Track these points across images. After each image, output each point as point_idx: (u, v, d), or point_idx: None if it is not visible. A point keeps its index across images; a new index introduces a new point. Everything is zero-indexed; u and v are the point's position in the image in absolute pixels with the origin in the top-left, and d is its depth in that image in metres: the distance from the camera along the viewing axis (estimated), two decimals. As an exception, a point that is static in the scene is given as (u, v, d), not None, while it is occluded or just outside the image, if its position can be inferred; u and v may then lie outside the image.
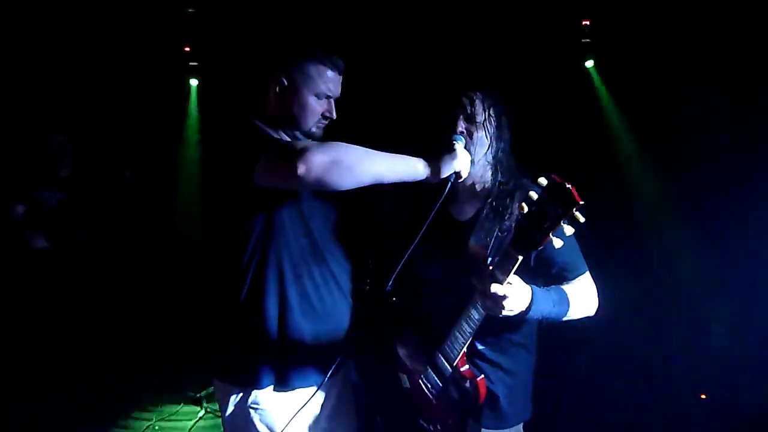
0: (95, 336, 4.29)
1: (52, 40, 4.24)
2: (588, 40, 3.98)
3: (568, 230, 1.31)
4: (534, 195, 1.36)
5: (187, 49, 4.68)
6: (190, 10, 3.87)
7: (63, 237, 4.01)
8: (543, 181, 1.33)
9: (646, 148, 4.16)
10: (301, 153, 1.54)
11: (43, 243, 3.93)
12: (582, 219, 1.29)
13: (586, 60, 4.18)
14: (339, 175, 1.57)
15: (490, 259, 1.68)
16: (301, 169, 1.52)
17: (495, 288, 1.45)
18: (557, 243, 1.35)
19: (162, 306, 4.76)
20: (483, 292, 1.49)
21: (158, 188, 4.55)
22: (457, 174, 1.73)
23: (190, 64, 4.61)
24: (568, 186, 1.28)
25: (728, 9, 3.56)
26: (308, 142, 1.75)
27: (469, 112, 1.78)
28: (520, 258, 1.41)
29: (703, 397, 3.72)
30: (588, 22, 3.80)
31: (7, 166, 4.20)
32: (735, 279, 3.67)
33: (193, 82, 4.75)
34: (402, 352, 2.05)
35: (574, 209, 1.28)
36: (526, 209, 1.36)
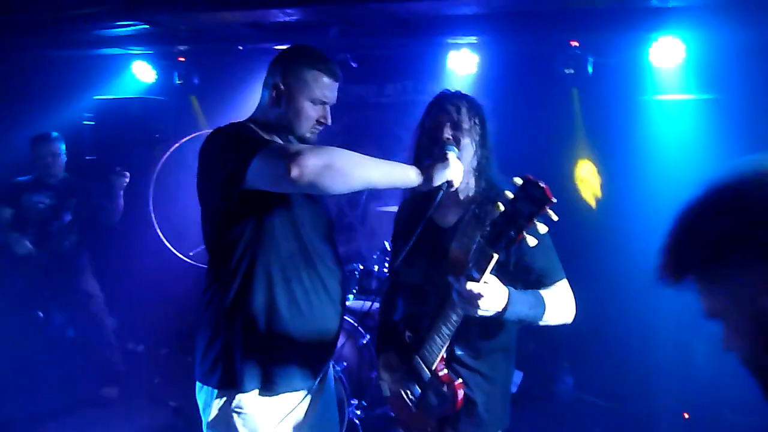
0: (79, 343, 4.24)
1: (43, 41, 4.27)
2: (571, 71, 4.07)
3: (542, 228, 1.34)
4: (510, 194, 1.39)
5: (182, 59, 4.75)
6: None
7: (49, 243, 3.96)
8: (518, 180, 1.37)
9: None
10: (294, 156, 1.55)
11: (28, 248, 3.87)
12: (555, 217, 1.32)
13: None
14: (332, 179, 1.58)
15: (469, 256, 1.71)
16: (295, 172, 1.53)
17: (471, 286, 1.47)
18: (531, 241, 1.38)
19: (149, 312, 4.74)
20: (459, 290, 1.51)
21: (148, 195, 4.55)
22: (449, 183, 1.74)
23: (179, 59, 4.65)
24: (541, 185, 1.32)
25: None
26: (302, 146, 1.76)
27: (455, 119, 1.81)
28: (495, 256, 1.43)
29: (686, 416, 3.72)
30: (576, 43, 3.89)
31: None
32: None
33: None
34: (383, 358, 2.06)
35: (547, 207, 1.31)
36: (502, 208, 1.39)
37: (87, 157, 4.33)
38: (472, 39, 4.10)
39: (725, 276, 0.78)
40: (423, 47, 4.42)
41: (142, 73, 4.80)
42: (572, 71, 3.95)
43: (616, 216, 4.23)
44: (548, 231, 1.39)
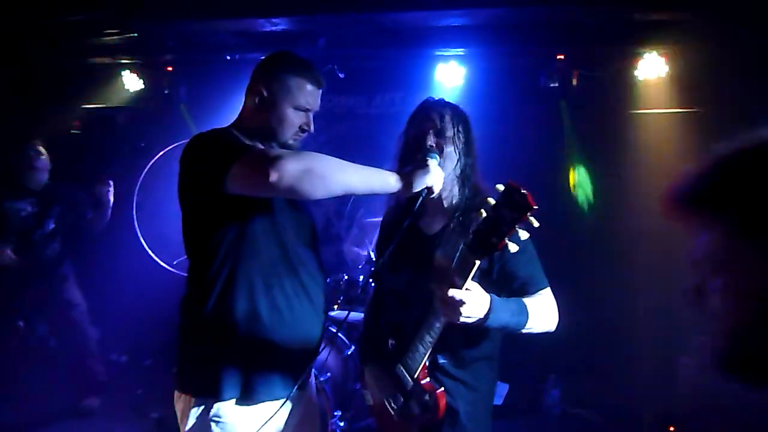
0: (61, 353, 4.18)
1: (32, 49, 4.25)
2: (556, 84, 4.13)
3: (524, 235, 1.34)
4: (492, 201, 1.39)
5: (170, 69, 4.74)
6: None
7: (31, 251, 3.89)
8: (500, 186, 1.37)
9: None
10: (274, 160, 1.55)
11: (9, 257, 3.80)
12: (536, 224, 1.32)
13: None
14: (311, 184, 1.57)
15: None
16: (274, 177, 1.53)
17: (453, 293, 1.47)
18: (513, 248, 1.38)
19: (132, 322, 4.68)
20: (441, 297, 1.50)
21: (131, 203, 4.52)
22: (429, 189, 1.74)
23: (167, 69, 4.65)
24: (523, 191, 1.32)
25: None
26: (282, 151, 1.75)
27: (438, 126, 1.82)
28: (477, 262, 1.43)
29: (672, 429, 3.72)
30: (562, 57, 3.94)
31: None
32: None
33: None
34: (365, 366, 2.04)
35: (528, 214, 1.31)
36: (484, 214, 1.39)
37: (72, 165, 4.27)
38: (460, 51, 4.14)
39: None
40: (411, 59, 4.47)
41: (131, 82, 4.79)
42: (557, 84, 3.99)
43: (604, 227, 4.26)
44: (534, 240, 1.39)
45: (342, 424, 3.24)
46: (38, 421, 3.86)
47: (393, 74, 4.72)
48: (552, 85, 4.01)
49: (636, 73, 3.95)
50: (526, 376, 4.25)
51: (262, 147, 1.86)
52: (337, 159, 1.65)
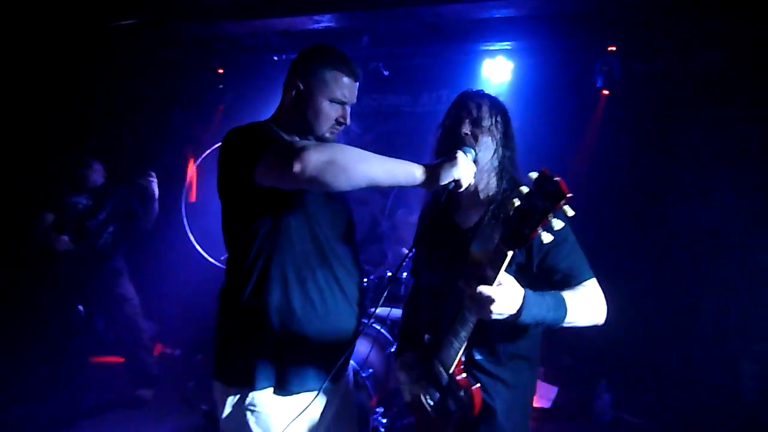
0: (116, 344, 4.36)
1: (85, 56, 4.45)
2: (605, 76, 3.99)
3: (557, 224, 1.29)
4: (525, 189, 1.34)
5: (221, 71, 4.87)
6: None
7: (87, 239, 4.13)
8: (533, 174, 1.33)
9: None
10: (298, 152, 1.56)
11: (67, 245, 4.06)
12: (571, 212, 1.27)
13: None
14: (333, 175, 1.56)
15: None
16: (297, 168, 1.53)
17: (482, 289, 1.43)
18: (546, 238, 1.32)
19: (185, 317, 4.83)
20: (470, 294, 1.46)
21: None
22: (457, 182, 1.68)
23: (218, 70, 4.78)
24: (556, 179, 1.27)
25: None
26: (307, 142, 1.76)
27: (475, 115, 1.78)
28: (509, 254, 1.38)
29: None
30: (614, 48, 3.79)
31: (41, 176, 4.40)
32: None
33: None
34: (401, 362, 2.02)
35: (562, 202, 1.25)
36: (517, 203, 1.35)
37: (125, 165, 4.49)
38: (507, 45, 4.05)
39: None
40: (457, 55, 4.40)
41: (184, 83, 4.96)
42: (606, 76, 3.85)
43: (662, 227, 4.08)
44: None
45: (384, 420, 3.23)
46: (92, 410, 4.03)
47: (439, 71, 4.69)
48: (602, 78, 3.87)
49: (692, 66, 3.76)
50: (576, 380, 4.13)
51: (295, 140, 1.87)
52: (362, 150, 1.63)
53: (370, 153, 1.64)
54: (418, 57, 4.47)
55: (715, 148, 3.86)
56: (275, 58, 4.48)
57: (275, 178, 1.66)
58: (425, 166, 1.69)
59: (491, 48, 4.16)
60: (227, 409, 1.85)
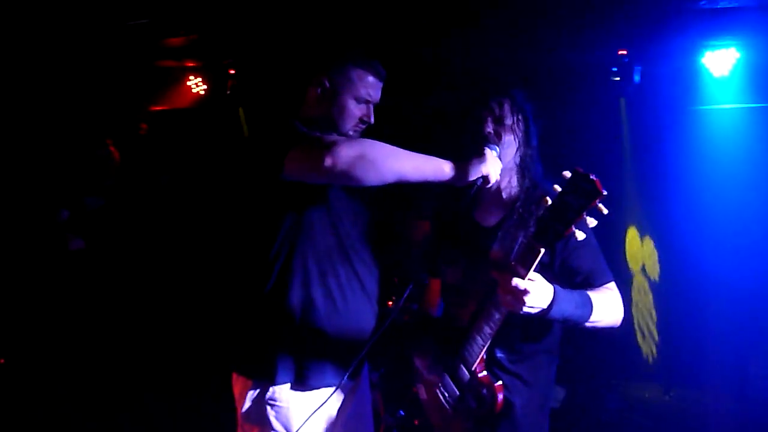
0: (127, 337, 4.37)
1: (96, 56, 4.46)
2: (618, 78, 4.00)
3: (591, 222, 1.30)
4: (558, 188, 1.36)
5: (232, 72, 4.86)
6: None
7: (101, 240, 4.17)
8: (567, 173, 1.34)
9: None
10: (329, 146, 1.58)
11: (81, 244, 4.09)
12: (605, 211, 1.28)
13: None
14: (364, 170, 1.58)
15: (512, 255, 1.67)
16: (328, 162, 1.55)
17: (516, 282, 1.44)
18: (580, 235, 1.34)
19: (194, 309, 4.83)
20: (504, 286, 1.47)
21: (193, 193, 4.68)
22: (485, 178, 1.71)
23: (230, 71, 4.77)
24: (592, 177, 1.28)
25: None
26: (338, 137, 1.78)
27: (497, 114, 1.80)
28: (542, 250, 1.40)
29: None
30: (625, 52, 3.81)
31: (57, 173, 4.41)
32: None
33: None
34: (420, 360, 2.03)
35: (597, 200, 1.27)
36: (549, 201, 1.36)
37: (139, 165, 4.50)
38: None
39: None
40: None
41: (196, 85, 4.95)
42: (619, 79, 3.87)
43: (669, 226, 4.09)
44: (595, 235, 1.35)
45: (395, 420, 3.23)
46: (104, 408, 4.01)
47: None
48: (614, 79, 3.89)
49: (704, 66, 3.78)
50: (583, 380, 4.13)
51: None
52: (392, 146, 1.65)
53: (400, 149, 1.66)
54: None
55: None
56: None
57: (305, 172, 1.67)
58: (454, 162, 1.71)
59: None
60: (247, 403, 1.87)
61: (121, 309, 4.32)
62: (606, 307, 1.66)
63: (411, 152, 1.68)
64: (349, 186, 1.91)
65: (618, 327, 1.73)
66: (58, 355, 4.20)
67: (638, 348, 3.77)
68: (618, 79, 3.91)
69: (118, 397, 4.16)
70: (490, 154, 1.72)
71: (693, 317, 3.98)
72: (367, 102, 1.92)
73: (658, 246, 4.18)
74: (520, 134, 1.80)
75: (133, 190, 4.32)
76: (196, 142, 4.92)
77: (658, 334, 3.94)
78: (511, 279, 1.44)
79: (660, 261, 4.12)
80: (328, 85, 1.88)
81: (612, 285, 1.73)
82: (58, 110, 4.62)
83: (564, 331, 1.86)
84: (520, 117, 1.80)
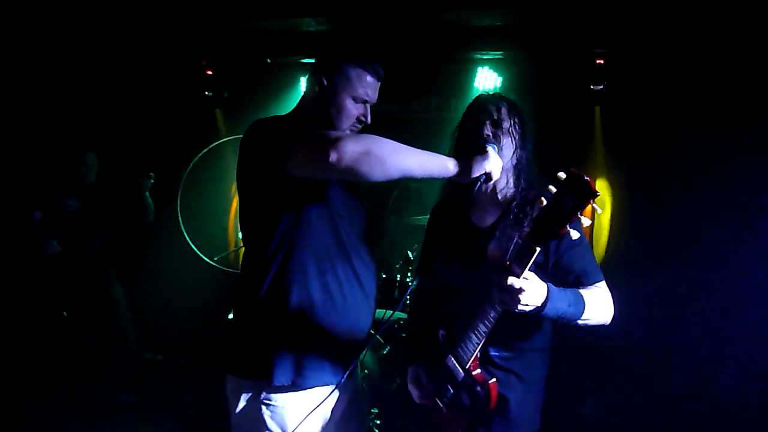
0: (100, 348, 4.28)
1: (75, 54, 4.39)
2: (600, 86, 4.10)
3: (585, 221, 1.35)
4: (553, 188, 1.41)
5: (210, 72, 4.84)
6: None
7: (77, 244, 4.06)
8: (562, 174, 1.39)
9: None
10: (334, 141, 1.57)
11: (56, 249, 3.97)
12: (599, 210, 1.33)
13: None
14: (369, 165, 1.58)
15: (508, 254, 1.71)
16: (333, 157, 1.54)
17: (511, 281, 1.48)
18: (574, 234, 1.39)
19: (172, 320, 4.77)
20: (500, 284, 1.51)
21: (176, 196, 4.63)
22: (488, 175, 1.74)
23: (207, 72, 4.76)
24: (586, 178, 1.33)
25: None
26: (342, 133, 1.79)
27: (495, 117, 1.85)
28: (538, 250, 1.44)
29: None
30: (602, 61, 3.91)
31: (32, 174, 4.31)
32: (744, 317, 3.64)
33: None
34: (413, 376, 2.05)
35: (592, 200, 1.32)
36: (545, 202, 1.41)
37: (120, 164, 4.42)
38: (499, 54, 4.14)
39: None
40: (450, 63, 4.45)
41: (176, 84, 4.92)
42: (599, 87, 3.97)
43: (641, 230, 4.20)
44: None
45: (378, 422, 3.25)
46: (75, 414, 3.92)
47: (431, 79, 4.70)
48: (593, 88, 3.99)
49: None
50: (560, 382, 4.18)
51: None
52: (397, 142, 1.66)
53: (405, 145, 1.67)
54: (411, 63, 4.50)
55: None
56: (269, 60, 4.49)
57: (309, 167, 1.67)
58: (458, 159, 1.74)
59: (483, 57, 4.24)
60: (241, 404, 1.85)
61: (101, 312, 4.23)
62: (597, 305, 1.72)
63: (415, 149, 1.69)
64: (350, 182, 1.93)
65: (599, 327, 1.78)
66: (35, 359, 4.12)
67: (615, 350, 3.83)
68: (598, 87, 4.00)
69: (100, 401, 4.10)
70: (493, 152, 1.76)
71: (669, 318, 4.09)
72: (364, 102, 1.92)
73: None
74: (517, 137, 1.85)
75: (113, 191, 4.22)
76: (175, 142, 4.89)
77: (631, 339, 4.01)
78: (507, 278, 1.48)
79: (632, 259, 4.22)
80: (326, 83, 1.89)
81: (602, 284, 1.79)
82: (36, 110, 4.54)
83: (557, 327, 1.91)
84: (516, 120, 1.86)
